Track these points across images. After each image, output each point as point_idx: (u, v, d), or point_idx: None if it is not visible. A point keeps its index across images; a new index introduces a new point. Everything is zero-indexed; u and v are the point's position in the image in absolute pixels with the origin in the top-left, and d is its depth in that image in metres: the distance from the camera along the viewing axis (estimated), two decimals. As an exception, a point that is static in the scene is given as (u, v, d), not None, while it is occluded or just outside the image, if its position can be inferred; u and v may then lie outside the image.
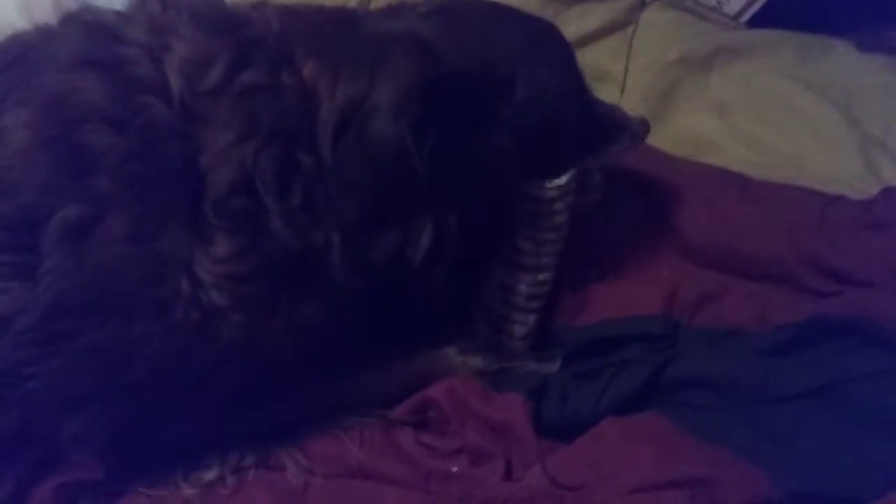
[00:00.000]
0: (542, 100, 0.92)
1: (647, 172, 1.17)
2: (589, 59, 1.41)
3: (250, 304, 0.83)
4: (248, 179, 0.81)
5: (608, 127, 1.04)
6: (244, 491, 0.90)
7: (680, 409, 0.93)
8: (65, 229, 0.78)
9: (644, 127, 1.08)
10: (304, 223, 0.83)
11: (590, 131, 1.00)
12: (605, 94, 1.38)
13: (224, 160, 0.81)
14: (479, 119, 0.88)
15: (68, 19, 0.92)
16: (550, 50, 0.98)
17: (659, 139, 1.29)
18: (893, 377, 0.89)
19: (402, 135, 0.82)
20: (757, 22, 1.45)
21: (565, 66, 0.98)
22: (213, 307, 0.81)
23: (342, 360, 0.93)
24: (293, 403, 0.93)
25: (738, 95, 1.36)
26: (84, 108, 0.81)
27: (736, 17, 1.46)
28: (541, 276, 1.00)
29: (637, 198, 1.15)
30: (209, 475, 0.89)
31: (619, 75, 1.41)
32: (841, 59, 1.39)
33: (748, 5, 1.45)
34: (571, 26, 1.42)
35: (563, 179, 0.97)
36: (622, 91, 1.39)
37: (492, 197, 0.93)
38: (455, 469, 0.90)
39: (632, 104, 1.35)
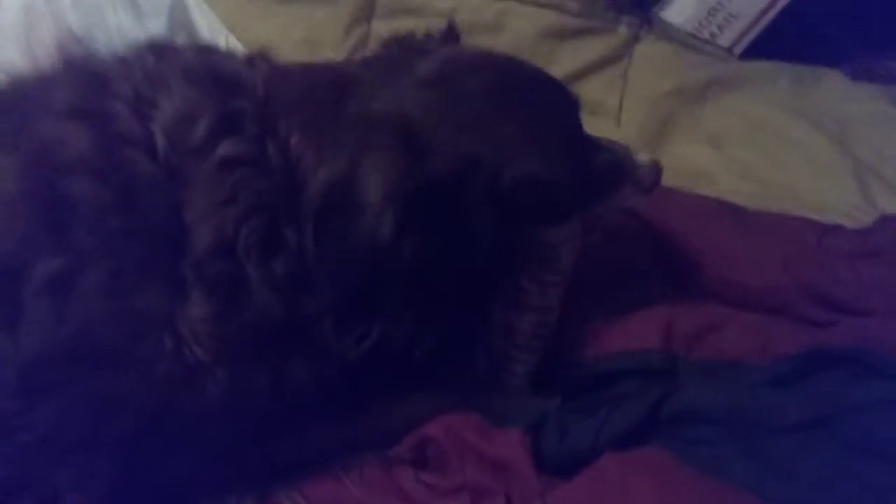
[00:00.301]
0: (531, 186, 0.89)
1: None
2: (584, 93, 1.40)
3: (233, 361, 0.82)
4: (229, 245, 0.81)
5: (612, 176, 1.01)
6: (243, 532, 0.89)
7: (680, 442, 0.92)
8: (45, 282, 0.77)
9: (655, 172, 1.03)
10: (288, 293, 0.82)
11: (589, 186, 0.97)
12: (601, 127, 1.38)
13: (205, 222, 0.81)
14: (463, 216, 0.86)
15: (68, 66, 0.92)
16: (549, 125, 0.93)
17: (655, 171, 1.30)
18: (894, 407, 0.89)
19: (383, 237, 0.81)
20: (750, 54, 1.47)
21: (564, 140, 0.94)
22: (197, 362, 0.80)
23: (336, 405, 0.92)
24: (289, 446, 0.92)
25: (733, 126, 1.37)
26: (70, 158, 0.81)
27: (729, 49, 1.47)
28: (545, 317, 0.99)
29: (632, 230, 1.16)
30: (207, 518, 0.89)
31: (613, 108, 1.42)
32: (833, 89, 1.41)
33: (741, 37, 1.46)
34: (566, 61, 1.44)
35: (570, 225, 0.97)
36: (617, 124, 1.40)
37: (482, 275, 0.91)
38: (455, 507, 0.90)
39: (627, 137, 1.35)
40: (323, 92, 0.88)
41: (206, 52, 0.95)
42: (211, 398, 0.82)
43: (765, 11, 1.43)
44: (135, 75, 0.88)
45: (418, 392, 0.97)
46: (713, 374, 0.98)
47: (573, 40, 1.45)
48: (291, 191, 0.83)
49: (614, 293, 1.08)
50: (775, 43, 1.45)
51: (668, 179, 1.26)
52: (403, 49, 0.95)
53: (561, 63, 1.43)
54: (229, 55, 0.97)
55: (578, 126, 0.98)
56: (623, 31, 1.45)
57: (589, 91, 1.41)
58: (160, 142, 0.82)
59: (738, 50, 1.47)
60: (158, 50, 0.92)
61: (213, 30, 1.36)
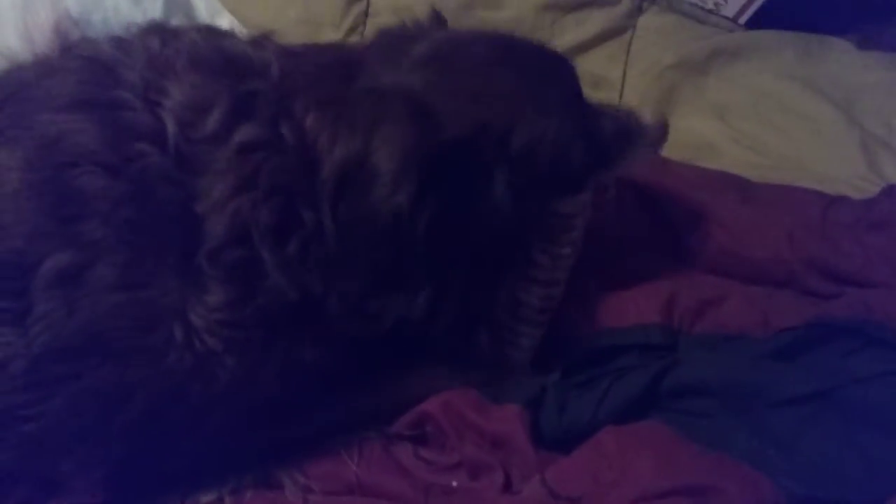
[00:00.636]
0: (542, 146, 0.90)
1: (645, 177, 1.16)
2: (587, 66, 1.40)
3: (244, 348, 0.82)
4: (245, 230, 0.80)
5: (619, 140, 1.01)
6: (243, 511, 0.90)
7: (680, 416, 0.92)
8: (55, 275, 0.78)
9: (662, 130, 1.05)
10: (301, 275, 0.82)
11: (597, 151, 0.97)
12: (604, 100, 1.37)
13: (220, 210, 0.80)
14: (477, 180, 0.86)
15: (67, 53, 0.92)
16: (550, 88, 0.94)
17: (658, 144, 1.28)
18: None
19: (401, 207, 0.81)
20: (755, 24, 1.44)
21: (566, 101, 0.95)
22: (207, 351, 0.81)
23: (339, 383, 0.92)
24: (290, 427, 0.92)
25: (738, 97, 1.35)
26: (77, 150, 0.80)
27: (734, 19, 1.45)
28: (552, 290, 0.99)
29: (635, 203, 1.15)
30: (208, 496, 0.89)
31: (617, 81, 1.40)
32: (841, 58, 1.38)
33: (746, 7, 1.44)
34: (569, 34, 1.42)
35: (583, 195, 0.97)
36: (620, 97, 1.39)
37: (496, 244, 0.92)
38: (455, 483, 0.90)
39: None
40: (334, 71, 0.88)
41: (212, 34, 0.94)
42: (219, 386, 0.83)
43: (770, -21, 1.41)
44: (140, 62, 0.87)
45: (417, 369, 0.97)
46: (714, 348, 0.98)
47: (576, 13, 1.43)
48: (307, 171, 0.82)
49: (615, 267, 1.08)
50: (781, 13, 1.42)
51: (672, 152, 1.26)
52: (396, 37, 0.95)
53: (563, 36, 1.41)
54: (234, 37, 0.96)
55: (579, 91, 0.98)
56: (626, 2, 1.43)
57: (592, 64, 1.40)
58: (171, 131, 0.81)
59: (743, 20, 1.45)
60: (162, 33, 0.91)
61: (210, 10, 1.36)
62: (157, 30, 0.92)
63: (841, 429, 0.87)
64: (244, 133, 0.82)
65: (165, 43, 0.89)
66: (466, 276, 0.90)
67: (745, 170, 1.22)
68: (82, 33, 1.16)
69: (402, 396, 0.97)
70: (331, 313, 0.84)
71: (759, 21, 1.44)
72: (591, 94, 1.38)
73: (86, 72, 0.87)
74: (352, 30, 1.41)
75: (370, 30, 1.39)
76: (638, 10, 1.44)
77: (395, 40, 0.94)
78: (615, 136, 1.00)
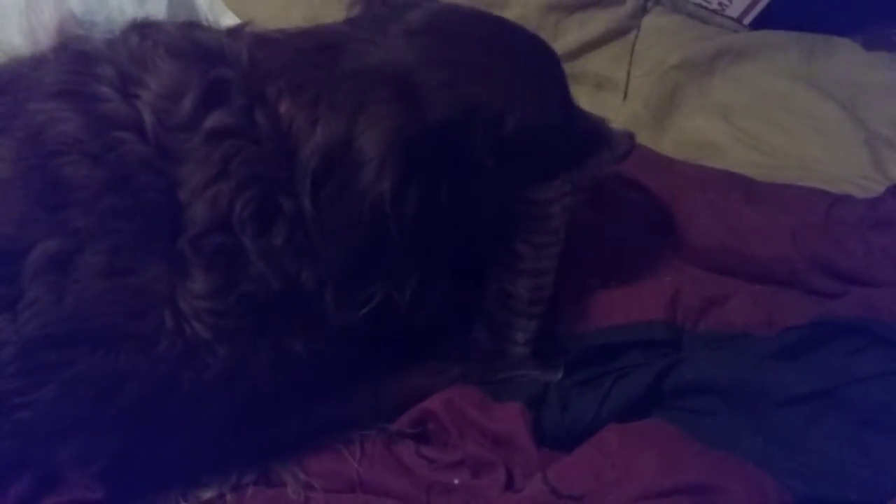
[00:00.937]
0: (532, 132, 0.89)
1: (649, 176, 1.16)
2: (591, 67, 1.41)
3: (234, 337, 0.82)
4: (225, 218, 0.80)
5: (590, 142, 1.01)
6: (244, 508, 0.90)
7: (684, 414, 0.92)
8: (45, 262, 0.78)
9: (627, 141, 1.04)
10: (286, 263, 0.82)
11: (572, 148, 0.98)
12: (608, 101, 1.38)
13: (199, 198, 0.80)
14: (464, 165, 0.85)
15: (59, 48, 0.92)
16: (541, 77, 0.93)
17: (662, 144, 1.28)
18: (900, 377, 0.87)
19: (386, 192, 0.80)
20: (760, 24, 1.44)
21: (555, 92, 0.95)
22: (198, 339, 0.81)
23: (337, 379, 0.92)
24: (290, 422, 0.92)
25: (742, 97, 1.35)
26: (62, 139, 0.81)
27: (738, 19, 1.45)
28: (541, 281, 0.99)
29: (639, 202, 1.14)
30: (208, 493, 0.89)
31: (621, 82, 1.40)
32: (846, 58, 1.38)
33: (750, 7, 1.44)
34: (572, 34, 1.43)
35: (556, 182, 0.97)
36: (624, 97, 1.39)
37: (482, 229, 0.91)
38: (456, 481, 0.89)
39: (634, 110, 1.35)
40: (312, 55, 0.87)
41: (189, 27, 0.94)
42: (211, 375, 0.82)
43: (775, -20, 1.41)
44: (119, 55, 0.87)
45: (418, 366, 0.97)
46: (718, 346, 0.97)
47: (580, 13, 1.44)
48: (284, 158, 0.82)
49: (619, 265, 1.07)
50: (786, 13, 1.42)
51: (676, 151, 1.26)
52: (390, 6, 0.94)
53: (567, 36, 1.42)
54: (211, 29, 0.96)
55: (566, 83, 0.97)
56: (630, 2, 1.44)
57: (596, 64, 1.41)
58: (148, 120, 0.82)
59: (747, 20, 1.45)
60: (141, 29, 0.91)
61: (214, 10, 1.36)
62: (138, 26, 0.93)
63: (845, 428, 0.86)
64: (214, 120, 0.82)
65: (144, 37, 0.89)
66: (453, 263, 0.89)
67: (749, 169, 1.21)
68: (86, 33, 1.16)
69: (401, 393, 0.96)
70: (317, 302, 0.84)
71: (763, 21, 1.44)
72: (595, 94, 1.39)
73: (73, 63, 0.87)
74: (356, 29, 1.41)
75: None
76: (642, 11, 1.45)
77: (388, 9, 0.93)
78: (588, 136, 1.00)
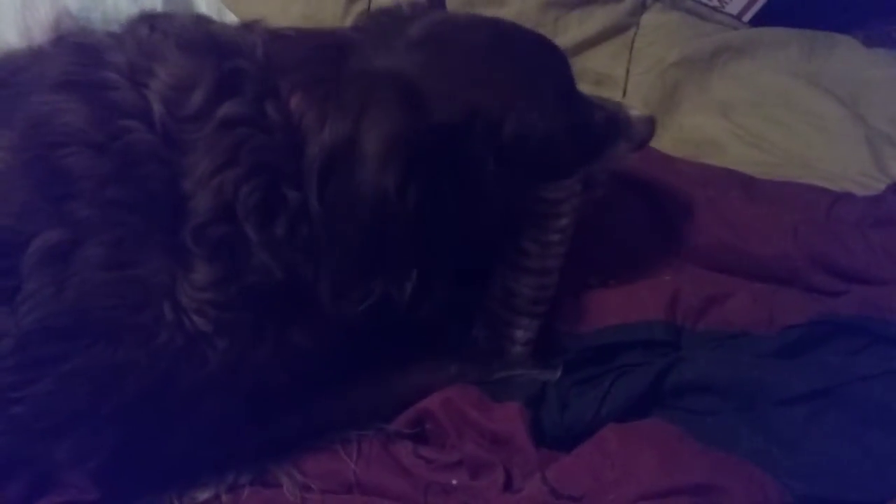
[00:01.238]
0: (533, 136, 0.89)
1: (649, 174, 1.15)
2: (590, 64, 1.40)
3: (234, 330, 0.82)
4: (229, 207, 0.80)
5: (608, 133, 1.01)
6: (240, 509, 0.89)
7: (684, 414, 0.91)
8: (44, 254, 0.77)
9: (648, 126, 1.04)
10: (289, 255, 0.82)
11: (587, 142, 0.98)
12: (606, 98, 1.37)
13: (204, 186, 0.80)
14: (466, 167, 0.85)
15: (60, 41, 0.92)
16: (544, 78, 0.93)
17: (661, 141, 1.27)
18: (900, 376, 0.87)
19: (387, 189, 0.80)
20: (759, 21, 1.43)
21: (559, 91, 0.94)
22: (197, 332, 0.80)
23: (335, 377, 0.92)
24: (287, 421, 0.92)
25: (742, 94, 1.34)
26: (65, 130, 0.80)
27: (738, 16, 1.44)
28: (545, 280, 0.99)
29: (638, 200, 1.14)
30: (204, 494, 0.89)
31: (620, 79, 1.39)
32: (846, 55, 1.37)
33: (750, 4, 1.43)
34: (572, 31, 1.41)
35: (568, 181, 0.96)
36: (624, 94, 1.38)
37: (484, 231, 0.91)
38: (455, 482, 0.89)
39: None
40: (323, 53, 0.87)
41: (201, 20, 0.94)
42: (211, 369, 0.82)
43: (775, -23, 1.40)
44: (128, 46, 0.87)
45: (417, 365, 0.97)
46: (718, 345, 0.97)
47: (579, 10, 1.42)
48: (292, 151, 0.82)
49: (618, 264, 1.07)
50: (785, 9, 1.41)
51: (676, 149, 1.26)
52: (392, 17, 0.94)
53: (566, 33, 1.41)
54: (224, 24, 0.96)
55: (572, 81, 0.96)
56: (630, -1, 1.43)
57: (595, 62, 1.40)
58: (157, 109, 0.81)
59: (747, 17, 1.44)
60: (151, 20, 0.91)
61: (210, 7, 1.35)
62: (148, 18, 0.93)
63: (845, 427, 0.86)
64: (227, 109, 0.82)
65: (154, 28, 0.89)
66: (455, 262, 0.89)
67: (749, 167, 1.21)
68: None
69: (399, 391, 0.96)
70: (318, 296, 0.84)
71: (763, 18, 1.43)
72: (594, 91, 1.38)
73: (75, 54, 0.87)
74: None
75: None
76: (641, 8, 1.44)
77: (391, 21, 0.93)
78: (603, 128, 0.99)
